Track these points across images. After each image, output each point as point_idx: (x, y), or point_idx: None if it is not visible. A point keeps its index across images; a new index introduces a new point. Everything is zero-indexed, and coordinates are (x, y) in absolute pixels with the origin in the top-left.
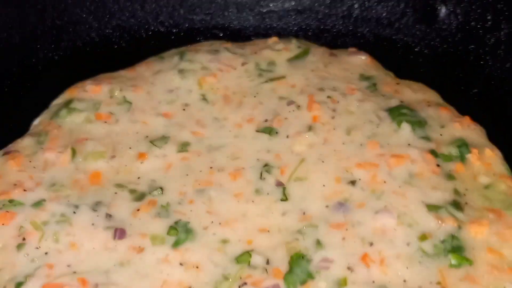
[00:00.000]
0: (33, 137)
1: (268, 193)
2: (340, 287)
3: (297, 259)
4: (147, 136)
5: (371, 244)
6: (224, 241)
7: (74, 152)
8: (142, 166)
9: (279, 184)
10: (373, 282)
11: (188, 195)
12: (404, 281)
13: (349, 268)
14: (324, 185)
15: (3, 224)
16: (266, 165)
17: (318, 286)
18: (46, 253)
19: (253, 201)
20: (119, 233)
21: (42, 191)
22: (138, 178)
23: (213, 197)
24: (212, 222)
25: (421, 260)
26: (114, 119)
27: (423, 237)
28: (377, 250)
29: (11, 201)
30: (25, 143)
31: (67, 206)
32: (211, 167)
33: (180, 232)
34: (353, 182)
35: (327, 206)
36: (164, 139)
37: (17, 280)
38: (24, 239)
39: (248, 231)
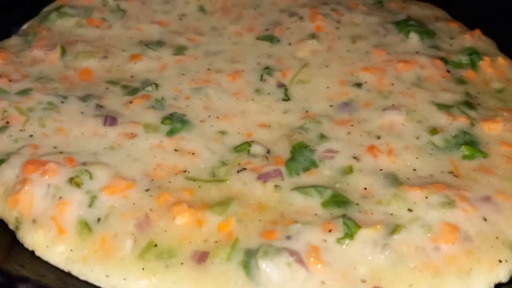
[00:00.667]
0: (20, 37)
1: (269, 93)
2: (346, 174)
3: (299, 149)
4: (141, 41)
5: (378, 137)
6: (222, 133)
7: (64, 51)
8: (135, 66)
9: (281, 85)
10: (381, 170)
11: (184, 92)
12: (414, 169)
13: (355, 158)
14: (328, 87)
15: None
16: (267, 68)
17: (323, 173)
18: (31, 136)
19: (253, 100)
20: (110, 120)
21: (28, 83)
22: (132, 76)
23: (210, 94)
24: (210, 116)
25: (432, 152)
26: (107, 25)
27: (434, 131)
28: (384, 142)
29: None
30: (12, 41)
31: (55, 97)
32: (208, 69)
33: (175, 122)
34: (358, 85)
35: (331, 106)
36: (159, 43)
37: None
38: (7, 122)
39: (248, 126)
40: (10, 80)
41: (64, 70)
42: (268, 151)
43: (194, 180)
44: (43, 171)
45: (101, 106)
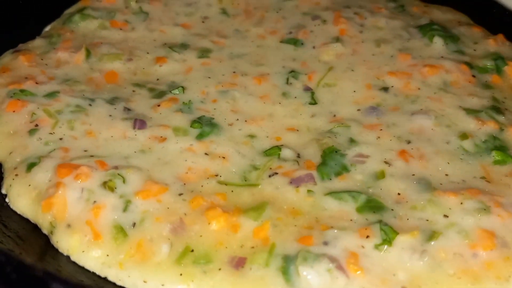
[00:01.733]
0: (44, 38)
1: (295, 97)
2: (378, 179)
3: (330, 153)
4: (165, 43)
5: (409, 142)
6: (251, 136)
7: (88, 53)
8: (160, 69)
9: (307, 89)
10: (413, 175)
11: (211, 95)
12: (446, 175)
13: (386, 162)
14: (354, 91)
15: (13, 111)
16: (292, 71)
17: (355, 178)
18: (60, 139)
19: (280, 103)
20: (139, 123)
21: (55, 85)
22: (157, 79)
23: (237, 97)
24: (238, 119)
25: (462, 157)
26: (130, 27)
27: (464, 136)
28: (415, 147)
29: (22, 90)
30: (36, 43)
31: (83, 99)
32: (234, 72)
33: (204, 126)
34: (385, 89)
35: (358, 110)
36: (183, 46)
37: (29, 161)
38: (36, 125)
39: (276, 129)
40: (36, 83)
41: (89, 72)
42: (298, 155)
43: (226, 184)
44: (76, 174)
45: (129, 109)
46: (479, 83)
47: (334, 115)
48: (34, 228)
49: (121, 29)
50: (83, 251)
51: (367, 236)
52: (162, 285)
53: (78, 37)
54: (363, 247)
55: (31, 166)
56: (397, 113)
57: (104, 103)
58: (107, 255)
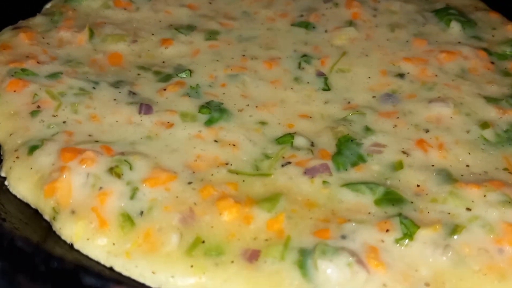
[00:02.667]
0: (46, 16)
1: (308, 82)
2: (396, 170)
3: (345, 142)
4: (171, 25)
5: (427, 131)
6: (262, 123)
7: (91, 33)
8: (166, 51)
9: (320, 74)
10: (432, 166)
11: (220, 79)
12: (467, 166)
13: (404, 152)
14: (369, 77)
15: (14, 91)
16: (304, 55)
17: (371, 168)
18: (64, 122)
19: (292, 89)
20: (145, 108)
21: (57, 65)
22: (163, 62)
23: (247, 82)
24: (248, 105)
25: (484, 147)
26: (134, 7)
27: (485, 125)
28: (433, 136)
29: (23, 70)
30: (37, 21)
31: (86, 82)
32: (243, 55)
33: (213, 111)
34: (401, 75)
35: (374, 97)
36: (190, 27)
37: (31, 144)
38: (39, 106)
39: (288, 116)
40: (38, 62)
41: (92, 54)
42: (312, 144)
43: (237, 174)
44: (81, 159)
45: (134, 93)
46: (498, 70)
47: (349, 102)
48: (35, 213)
49: (125, 9)
50: (88, 239)
51: (387, 230)
52: (172, 276)
53: (80, 16)
54: (383, 241)
55: (33, 149)
56: (414, 101)
57: (108, 87)
58: (113, 244)
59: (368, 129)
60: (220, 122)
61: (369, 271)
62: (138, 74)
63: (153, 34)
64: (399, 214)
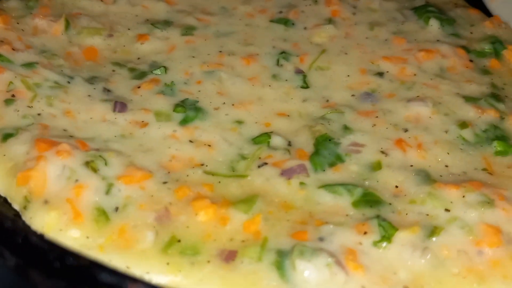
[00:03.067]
0: (20, 0)
1: (286, 80)
2: (374, 170)
3: (323, 141)
4: (147, 20)
5: (406, 130)
6: (239, 122)
7: (67, 23)
8: (142, 47)
9: (299, 71)
10: (411, 166)
11: (195, 76)
12: (446, 166)
13: (383, 152)
14: (348, 76)
15: None
16: (283, 52)
17: (349, 169)
18: (39, 114)
19: (270, 86)
20: (120, 106)
21: (32, 55)
22: (138, 58)
23: (224, 78)
24: (224, 103)
25: (462, 147)
26: None
27: (463, 125)
28: (412, 136)
29: None
30: (11, 4)
31: (61, 75)
32: (220, 51)
33: (188, 110)
34: (380, 74)
35: (353, 95)
36: (166, 23)
37: (5, 132)
38: (13, 95)
39: (266, 114)
40: (13, 49)
41: (68, 46)
42: (289, 143)
43: (213, 175)
44: (57, 150)
45: (108, 90)
46: (477, 68)
47: (327, 100)
48: (4, 202)
49: (102, 0)
50: (60, 230)
51: (365, 232)
52: (147, 273)
53: (56, 5)
54: (361, 243)
55: (7, 136)
56: (393, 100)
57: (83, 82)
58: (87, 237)
59: (346, 128)
60: (195, 122)
61: (347, 273)
62: (113, 71)
63: (129, 29)
64: (377, 216)
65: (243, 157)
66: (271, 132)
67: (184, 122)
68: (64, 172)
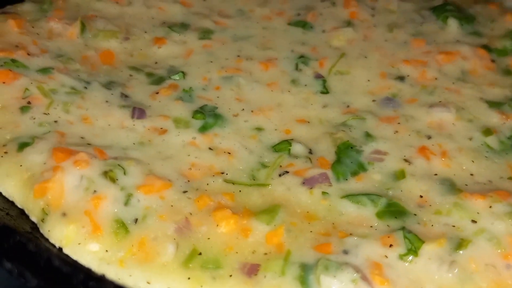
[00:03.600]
0: (34, 3)
1: (306, 85)
2: (398, 179)
3: (345, 149)
4: (164, 22)
5: (429, 137)
6: (259, 129)
7: (83, 26)
8: (159, 51)
9: (318, 76)
10: (435, 175)
11: (214, 81)
12: (471, 174)
13: (406, 161)
14: (368, 80)
15: (4, 83)
16: (301, 56)
17: (373, 178)
18: (55, 121)
19: (289, 91)
20: (138, 112)
21: (48, 59)
22: (156, 63)
23: (242, 84)
24: (243, 109)
25: (487, 155)
26: (126, 1)
27: (487, 132)
28: (436, 143)
29: (13, 60)
30: (25, 7)
31: (78, 81)
32: (238, 56)
33: (208, 117)
34: (401, 78)
35: (374, 101)
36: (183, 26)
37: (21, 140)
38: (29, 102)
39: (285, 121)
40: (28, 54)
41: (84, 50)
42: (310, 151)
43: (233, 183)
44: (75, 160)
45: (126, 96)
46: (499, 69)
47: (348, 106)
48: (21, 213)
49: (117, 2)
50: (79, 243)
51: (390, 245)
52: (169, 284)
53: (71, 7)
54: (386, 256)
55: (23, 145)
56: (415, 105)
57: (100, 87)
58: (106, 251)
59: (368, 135)
60: (215, 129)
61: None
62: (130, 75)
63: (145, 32)
64: (403, 228)
65: (263, 165)
66: (292, 139)
67: (203, 129)
68: (82, 183)
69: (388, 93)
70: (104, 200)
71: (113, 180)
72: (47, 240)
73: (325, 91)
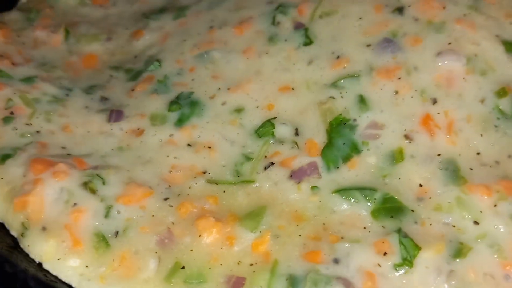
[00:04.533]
0: (22, 12)
1: (286, 40)
2: (396, 163)
3: (337, 126)
4: (143, 13)
5: (435, 101)
6: (238, 110)
7: (67, 33)
8: (138, 44)
9: (299, 26)
10: (439, 155)
11: (188, 63)
12: (478, 153)
13: (406, 137)
14: (360, 18)
15: None
16: (280, 6)
17: (367, 162)
18: (37, 132)
19: (267, 53)
20: (116, 115)
21: (32, 69)
22: (135, 57)
23: (217, 59)
24: (220, 88)
25: (498, 123)
26: (111, 2)
27: (502, 93)
28: (442, 110)
29: None
30: (12, 16)
31: (60, 88)
32: (211, 26)
33: (184, 106)
34: (399, 10)
35: (368, 45)
36: (161, 11)
37: (4, 152)
38: (12, 113)
39: (266, 93)
40: (13, 64)
41: (67, 56)
42: (297, 132)
43: (217, 184)
44: (54, 172)
45: (105, 99)
46: None
47: (338, 57)
48: (2, 227)
49: (101, 5)
50: (59, 259)
51: (385, 253)
52: None
53: (58, 15)
54: (379, 265)
55: (5, 157)
56: (419, 50)
57: (81, 93)
58: (87, 266)
59: (363, 102)
60: (192, 120)
61: None
62: (111, 76)
63: (127, 28)
64: (399, 230)
65: (247, 158)
66: (275, 118)
67: (180, 122)
68: (62, 196)
69: (386, 32)
70: (84, 213)
71: (93, 191)
72: (27, 255)
73: (309, 41)
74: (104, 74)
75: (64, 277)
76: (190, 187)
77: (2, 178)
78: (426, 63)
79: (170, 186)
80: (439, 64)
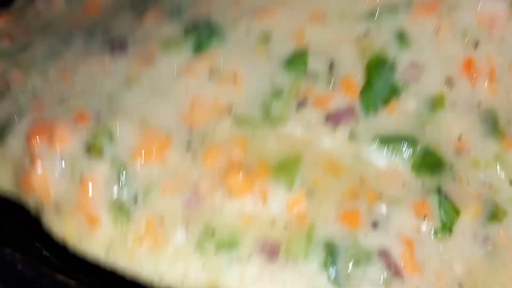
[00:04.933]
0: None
1: None
2: (436, 110)
3: (376, 67)
4: None
5: (476, 44)
6: (265, 38)
7: None
8: None
9: None
10: (479, 105)
11: None
12: None
13: (447, 81)
14: None
15: None
16: None
17: (406, 107)
18: (33, 93)
19: None
20: (120, 44)
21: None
22: None
23: None
24: (243, 15)
25: None
26: None
27: None
28: (484, 55)
29: None
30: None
31: (57, 40)
32: None
33: (202, 31)
34: None
35: None
36: None
37: (3, 129)
38: (8, 84)
39: (296, 19)
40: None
41: (69, 14)
42: (331, 66)
43: (245, 123)
44: (51, 140)
45: (108, 34)
46: None
47: None
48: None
49: None
50: (80, 238)
51: (425, 216)
52: (184, 278)
53: None
54: (419, 231)
55: (4, 134)
56: None
57: (81, 38)
58: (110, 243)
59: (402, 38)
60: (213, 46)
61: (403, 278)
62: (114, 14)
63: None
64: (438, 189)
65: (277, 92)
66: (307, 49)
67: (198, 48)
68: (65, 166)
69: None
70: (94, 183)
71: (99, 152)
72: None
73: None
74: (106, 15)
75: (89, 259)
76: (214, 130)
77: (4, 157)
78: (468, 2)
79: (191, 128)
80: (482, 4)
